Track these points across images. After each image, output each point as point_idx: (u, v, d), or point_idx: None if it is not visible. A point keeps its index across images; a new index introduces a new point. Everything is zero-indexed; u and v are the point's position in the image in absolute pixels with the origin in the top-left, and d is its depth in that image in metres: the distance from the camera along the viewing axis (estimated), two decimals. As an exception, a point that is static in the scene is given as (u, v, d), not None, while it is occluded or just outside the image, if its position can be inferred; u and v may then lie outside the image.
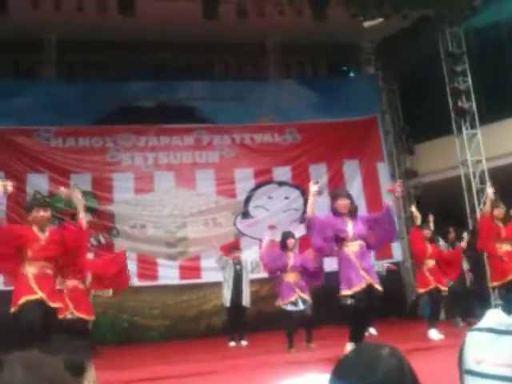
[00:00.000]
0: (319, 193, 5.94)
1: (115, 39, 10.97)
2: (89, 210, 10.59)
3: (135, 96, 11.36)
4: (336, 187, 10.12)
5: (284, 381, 1.28)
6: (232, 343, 8.43)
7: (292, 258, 7.25)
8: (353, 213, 5.81)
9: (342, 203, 5.73)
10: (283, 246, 7.37)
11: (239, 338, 8.50)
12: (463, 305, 8.90)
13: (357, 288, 5.56)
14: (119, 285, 7.44)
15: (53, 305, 4.97)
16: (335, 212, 5.78)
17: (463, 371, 1.25)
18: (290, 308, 7.06)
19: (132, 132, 11.24)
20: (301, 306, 7.04)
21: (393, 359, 1.10)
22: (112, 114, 11.17)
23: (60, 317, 5.57)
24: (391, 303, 9.98)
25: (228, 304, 8.61)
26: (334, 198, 5.90)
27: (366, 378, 1.05)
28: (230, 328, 8.79)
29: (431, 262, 7.63)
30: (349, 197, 5.88)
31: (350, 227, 5.72)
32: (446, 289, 7.64)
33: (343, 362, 1.12)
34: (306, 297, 7.11)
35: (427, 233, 7.74)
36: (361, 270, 5.60)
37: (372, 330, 8.13)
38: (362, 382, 1.05)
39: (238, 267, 8.84)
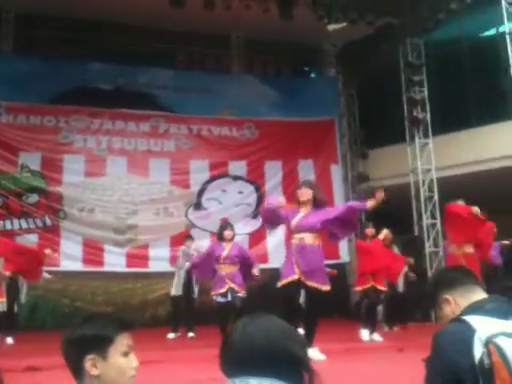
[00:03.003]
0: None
1: (78, 18, 10.71)
2: (36, 190, 10.35)
3: (93, 77, 11.10)
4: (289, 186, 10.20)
5: None
6: (171, 335, 8.31)
7: (227, 250, 7.08)
8: (317, 204, 5.68)
9: (299, 191, 5.71)
10: (220, 236, 7.24)
11: (187, 330, 8.38)
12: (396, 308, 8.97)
13: (286, 281, 5.50)
14: (28, 275, 7.20)
15: None
16: (297, 201, 5.75)
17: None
18: (219, 300, 6.96)
19: (87, 114, 10.99)
20: (229, 298, 6.95)
21: (269, 321, 1.17)
22: (68, 93, 10.88)
23: None
24: (335, 303, 10.12)
25: (179, 293, 8.45)
26: (297, 187, 5.89)
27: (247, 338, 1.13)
28: (175, 319, 8.65)
29: None
30: (310, 187, 5.78)
31: (297, 218, 5.63)
32: (384, 289, 7.59)
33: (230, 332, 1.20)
34: (238, 288, 6.94)
35: (369, 231, 7.75)
36: (295, 264, 5.51)
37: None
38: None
39: (187, 257, 8.75)
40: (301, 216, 5.62)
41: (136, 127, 11.28)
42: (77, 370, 1.51)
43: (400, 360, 5.41)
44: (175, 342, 7.99)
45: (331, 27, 10.96)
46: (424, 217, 10.90)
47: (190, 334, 8.33)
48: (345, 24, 10.73)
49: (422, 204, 11.00)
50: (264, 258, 10.53)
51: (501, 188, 10.40)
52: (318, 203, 5.68)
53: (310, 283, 5.50)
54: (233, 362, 1.13)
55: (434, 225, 10.87)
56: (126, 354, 1.54)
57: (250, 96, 11.88)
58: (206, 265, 7.26)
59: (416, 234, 11.02)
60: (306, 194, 5.64)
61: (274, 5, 9.67)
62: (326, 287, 5.57)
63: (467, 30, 11.95)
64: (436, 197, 10.88)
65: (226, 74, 12.30)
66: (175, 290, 8.52)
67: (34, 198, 10.39)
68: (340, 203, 11.80)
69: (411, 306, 9.44)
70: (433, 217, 10.90)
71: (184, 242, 8.77)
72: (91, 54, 11.33)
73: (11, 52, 11.06)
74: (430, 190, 11.06)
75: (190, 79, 11.77)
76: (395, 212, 11.24)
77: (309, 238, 5.57)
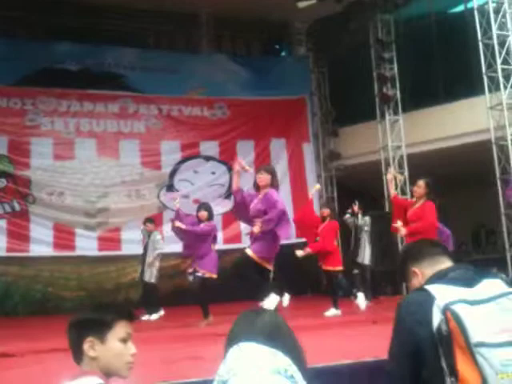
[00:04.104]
0: (244, 169, 5.88)
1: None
2: (3, 174, 10.14)
3: (59, 58, 10.84)
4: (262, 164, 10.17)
5: None
6: (145, 317, 8.27)
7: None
8: (273, 188, 5.73)
9: (257, 176, 5.76)
10: (197, 219, 7.32)
11: (147, 313, 8.20)
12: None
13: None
14: None
15: None
16: (255, 186, 5.81)
17: (470, 345, 1.42)
18: (189, 278, 7.18)
19: (53, 95, 10.75)
20: (190, 278, 7.11)
21: (267, 317, 1.44)
22: (34, 75, 10.61)
23: None
24: (307, 280, 10.22)
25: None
26: (256, 171, 5.92)
27: (247, 332, 1.37)
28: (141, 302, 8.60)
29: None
30: (268, 171, 5.82)
31: (253, 203, 5.71)
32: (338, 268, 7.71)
33: (231, 327, 1.39)
34: (199, 269, 7.01)
35: (324, 212, 7.81)
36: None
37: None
38: (244, 337, 1.36)
39: (146, 240, 8.69)
40: (255, 201, 5.70)
41: (105, 108, 11.09)
42: (77, 352, 1.60)
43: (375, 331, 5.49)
44: (147, 324, 7.97)
45: (301, 4, 10.90)
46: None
47: (145, 317, 8.11)
48: (314, 1, 10.68)
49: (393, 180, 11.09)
50: (237, 239, 10.53)
51: (470, 162, 10.55)
52: (274, 187, 5.74)
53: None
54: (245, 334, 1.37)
55: (404, 201, 10.98)
56: (124, 341, 1.62)
57: (221, 75, 11.76)
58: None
59: (387, 210, 11.15)
60: (264, 179, 5.69)
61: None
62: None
63: (436, 7, 11.98)
64: (406, 173, 10.99)
65: (195, 54, 12.12)
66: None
67: (1, 182, 10.17)
68: (312, 181, 11.87)
69: (382, 280, 9.58)
70: (403, 193, 11.02)
71: (144, 225, 8.68)
72: (57, 34, 11.02)
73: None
74: (401, 166, 11.17)
75: (158, 59, 11.57)
76: (366, 188, 11.38)
77: (255, 222, 5.64)
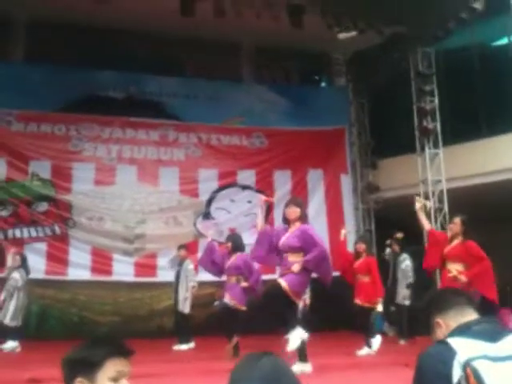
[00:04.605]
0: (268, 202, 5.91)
1: (89, 25, 10.73)
2: (46, 198, 10.40)
3: (104, 86, 11.16)
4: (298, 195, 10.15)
5: None
6: (176, 347, 8.29)
7: (229, 261, 7.29)
8: (302, 221, 5.72)
9: (287, 210, 5.74)
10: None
11: (179, 342, 8.31)
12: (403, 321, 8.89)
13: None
14: None
15: None
16: (284, 220, 5.81)
17: None
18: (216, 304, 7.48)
19: (97, 122, 11.04)
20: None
21: (268, 361, 1.35)
22: (78, 101, 10.94)
23: None
24: (340, 315, 10.02)
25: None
26: (285, 206, 5.92)
27: (247, 377, 1.31)
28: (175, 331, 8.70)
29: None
30: (297, 204, 5.81)
31: (284, 237, 5.67)
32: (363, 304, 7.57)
33: (232, 370, 1.35)
34: (230, 300, 7.14)
35: (359, 247, 7.72)
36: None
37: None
38: (244, 382, 1.31)
39: (177, 268, 8.73)
40: (286, 236, 5.67)
41: (146, 136, 11.31)
42: None
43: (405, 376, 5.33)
44: (176, 355, 7.99)
45: (341, 36, 10.94)
46: (434, 228, 10.79)
47: (177, 347, 8.25)
48: (354, 33, 10.71)
49: (432, 215, 10.89)
50: (273, 269, 10.45)
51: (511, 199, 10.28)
52: (304, 221, 5.74)
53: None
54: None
55: (443, 236, 10.74)
56: (115, 380, 1.55)
57: (260, 105, 11.88)
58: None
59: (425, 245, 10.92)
60: (294, 212, 5.66)
61: (284, 13, 9.66)
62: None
63: (478, 39, 11.86)
64: (446, 208, 10.77)
65: (235, 82, 12.29)
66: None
67: (43, 206, 10.43)
68: (349, 213, 11.80)
69: (420, 319, 9.30)
70: (442, 228, 10.78)
71: (177, 252, 8.81)
72: (101, 62, 11.36)
73: (22, 61, 11.14)
74: (440, 200, 10.96)
75: (198, 87, 11.78)
76: (405, 222, 11.17)
77: (292, 258, 5.61)
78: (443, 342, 1.60)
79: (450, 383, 1.47)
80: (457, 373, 1.47)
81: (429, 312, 1.84)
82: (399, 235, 8.94)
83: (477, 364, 1.44)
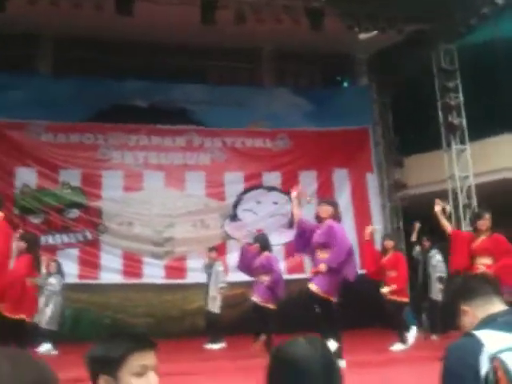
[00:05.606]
0: (302, 196, 6.02)
1: (112, 38, 10.98)
2: (77, 205, 10.67)
3: (129, 95, 11.39)
4: (324, 194, 10.22)
5: None
6: (208, 345, 8.40)
7: (257, 261, 7.47)
8: (335, 219, 5.85)
9: (319, 208, 5.85)
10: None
11: (209, 342, 8.44)
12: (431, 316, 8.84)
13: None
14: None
15: None
16: (317, 218, 5.92)
17: None
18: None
19: (123, 131, 11.28)
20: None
21: (320, 343, 1.41)
22: (105, 111, 11.21)
23: None
24: (374, 312, 9.99)
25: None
26: (317, 204, 6.05)
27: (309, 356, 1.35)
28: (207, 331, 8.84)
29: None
30: (329, 203, 5.95)
31: (316, 234, 5.85)
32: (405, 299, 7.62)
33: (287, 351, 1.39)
34: (257, 298, 7.35)
35: (388, 244, 7.80)
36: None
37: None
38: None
39: (208, 269, 8.85)
40: (318, 232, 5.82)
41: (172, 142, 11.50)
42: None
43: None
44: (209, 353, 8.09)
45: (362, 36, 10.97)
46: (463, 224, 10.69)
47: (210, 346, 8.40)
48: (375, 32, 10.73)
49: (461, 211, 10.79)
50: (300, 268, 10.52)
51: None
52: (336, 219, 5.87)
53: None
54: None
55: (473, 232, 10.63)
56: (139, 375, 1.47)
57: (283, 108, 11.96)
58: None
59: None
60: (325, 210, 5.81)
61: (304, 17, 9.75)
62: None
63: (501, 34, 11.74)
64: (475, 203, 10.67)
65: (257, 87, 12.41)
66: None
67: (74, 213, 10.70)
68: (377, 212, 11.77)
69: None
70: (471, 224, 10.67)
71: (208, 253, 8.93)
72: (126, 73, 11.62)
73: (51, 74, 11.47)
74: (469, 196, 10.85)
75: (221, 93, 11.93)
76: (433, 219, 11.09)
77: (321, 254, 5.77)
78: (470, 335, 1.60)
79: (478, 375, 1.48)
80: (484, 366, 1.48)
81: (454, 299, 1.84)
82: (417, 225, 8.91)
83: (504, 356, 1.46)
